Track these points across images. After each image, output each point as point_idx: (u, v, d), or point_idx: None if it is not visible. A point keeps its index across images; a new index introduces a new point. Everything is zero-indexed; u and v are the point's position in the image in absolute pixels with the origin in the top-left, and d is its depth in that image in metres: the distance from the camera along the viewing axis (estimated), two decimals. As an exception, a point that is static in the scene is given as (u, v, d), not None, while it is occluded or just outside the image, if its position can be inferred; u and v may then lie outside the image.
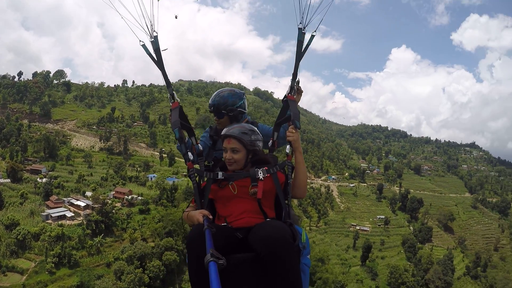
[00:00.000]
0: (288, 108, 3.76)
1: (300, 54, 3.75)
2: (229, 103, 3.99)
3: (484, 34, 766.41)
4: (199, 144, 3.71)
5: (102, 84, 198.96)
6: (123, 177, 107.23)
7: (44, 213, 76.35)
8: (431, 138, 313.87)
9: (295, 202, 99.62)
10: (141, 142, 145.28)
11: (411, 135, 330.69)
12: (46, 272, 60.98)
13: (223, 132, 3.45)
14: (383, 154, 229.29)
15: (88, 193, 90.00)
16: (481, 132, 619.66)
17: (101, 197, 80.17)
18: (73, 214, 77.30)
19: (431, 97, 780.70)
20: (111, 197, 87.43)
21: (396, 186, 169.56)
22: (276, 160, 3.57)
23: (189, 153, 3.56)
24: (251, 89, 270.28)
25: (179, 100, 3.77)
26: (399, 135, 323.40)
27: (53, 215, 75.41)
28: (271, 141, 3.85)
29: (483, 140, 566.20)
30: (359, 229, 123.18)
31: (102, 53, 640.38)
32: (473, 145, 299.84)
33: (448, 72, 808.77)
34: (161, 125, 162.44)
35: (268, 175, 3.30)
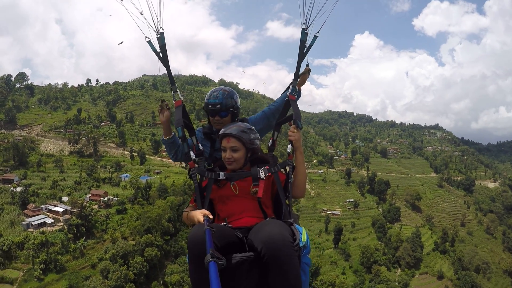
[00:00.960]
0: (289, 108, 3.97)
1: (302, 54, 3.89)
2: (234, 102, 4.10)
3: (445, 20, 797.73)
4: (199, 144, 3.81)
5: (65, 84, 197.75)
6: (96, 179, 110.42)
7: (24, 222, 79.68)
8: (396, 122, 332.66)
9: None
10: (110, 142, 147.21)
11: (376, 119, 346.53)
12: (35, 280, 64.90)
13: (221, 131, 3.56)
14: (350, 140, 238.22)
15: (65, 198, 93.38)
16: (445, 114, 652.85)
17: (78, 201, 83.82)
18: (53, 221, 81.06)
19: (395, 82, 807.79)
20: (88, 200, 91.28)
21: (364, 170, 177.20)
22: (276, 159, 3.68)
23: (191, 153, 3.68)
24: (216, 81, 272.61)
25: (182, 98, 3.92)
26: (365, 120, 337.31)
27: (33, 223, 78.99)
28: (271, 140, 4.01)
29: (447, 122, 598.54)
30: (330, 213, 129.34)
31: (62, 51, 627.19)
32: (436, 127, 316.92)
33: (411, 57, 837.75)
34: (129, 124, 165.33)
35: (269, 174, 3.45)
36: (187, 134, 3.84)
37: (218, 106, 3.94)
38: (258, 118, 4.33)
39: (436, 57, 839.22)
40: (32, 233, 73.85)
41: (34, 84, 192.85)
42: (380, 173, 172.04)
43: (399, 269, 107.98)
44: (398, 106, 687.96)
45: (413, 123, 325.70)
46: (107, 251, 69.98)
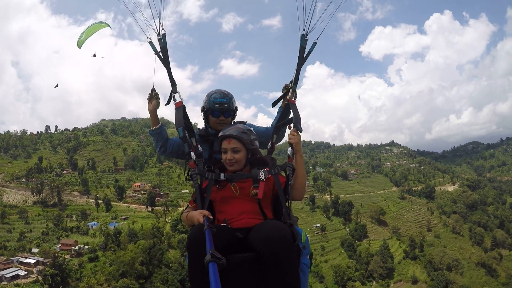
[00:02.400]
0: (288, 112, 4.20)
1: (302, 60, 4.13)
2: (235, 104, 4.32)
3: (390, 43, 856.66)
4: (199, 146, 3.90)
5: (24, 131, 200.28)
6: (64, 229, 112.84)
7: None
8: (353, 144, 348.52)
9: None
10: (73, 191, 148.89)
11: (334, 144, 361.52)
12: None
13: (221, 133, 3.67)
14: (311, 167, 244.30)
15: (34, 250, 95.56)
16: (399, 130, 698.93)
17: (50, 251, 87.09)
18: (26, 272, 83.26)
19: (348, 106, 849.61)
20: (58, 250, 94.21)
21: (327, 195, 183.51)
22: (275, 162, 3.87)
23: (192, 153, 3.78)
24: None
25: (182, 100, 4.09)
26: (323, 146, 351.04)
27: (6, 276, 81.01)
28: (270, 143, 4.28)
29: (402, 137, 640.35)
30: None
31: (18, 95, 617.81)
32: (392, 143, 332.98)
33: (361, 81, 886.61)
34: (91, 171, 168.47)
35: (270, 176, 3.55)
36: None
37: (226, 105, 4.16)
38: (259, 131, 4.41)
39: (384, 78, 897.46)
40: (7, 286, 76.69)
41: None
42: (343, 195, 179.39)
43: (374, 282, 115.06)
44: (354, 129, 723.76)
45: (370, 143, 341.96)
46: (84, 299, 73.89)
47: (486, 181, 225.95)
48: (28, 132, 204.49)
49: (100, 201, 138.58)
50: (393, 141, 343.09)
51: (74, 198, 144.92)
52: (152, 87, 4.54)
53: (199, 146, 3.91)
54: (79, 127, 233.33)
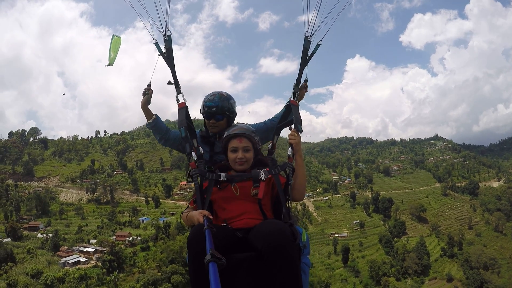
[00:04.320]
0: (290, 113, 4.18)
1: (305, 61, 4.19)
2: (230, 106, 4.35)
3: (430, 31, 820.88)
4: (200, 147, 3.97)
5: (76, 137, 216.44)
6: (118, 223, 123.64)
7: (61, 262, 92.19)
8: (396, 139, 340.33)
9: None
10: (124, 190, 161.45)
11: (377, 140, 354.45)
12: (77, 308, 77.69)
13: (229, 132, 3.76)
14: (353, 164, 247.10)
15: (92, 241, 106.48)
16: (445, 123, 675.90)
17: (109, 240, 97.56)
18: (86, 259, 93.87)
19: (391, 99, 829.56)
20: (114, 240, 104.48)
21: (368, 191, 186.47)
22: (275, 163, 3.88)
23: (193, 153, 3.85)
24: None
25: (185, 101, 4.19)
26: (366, 142, 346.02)
27: (69, 261, 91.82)
28: (270, 144, 4.23)
29: (448, 130, 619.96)
30: (338, 236, 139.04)
31: (65, 102, 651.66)
32: (436, 138, 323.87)
33: (403, 73, 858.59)
34: (139, 171, 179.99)
35: (270, 176, 3.62)
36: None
37: (214, 109, 4.23)
38: (258, 128, 4.50)
39: (427, 68, 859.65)
40: (70, 270, 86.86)
41: (47, 137, 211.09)
42: (384, 192, 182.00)
43: (409, 278, 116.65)
44: (398, 123, 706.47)
45: (413, 138, 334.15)
46: (138, 280, 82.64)
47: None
48: (80, 137, 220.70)
49: (149, 199, 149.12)
50: (437, 135, 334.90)
51: (125, 196, 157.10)
52: (148, 82, 4.74)
53: (200, 147, 4.01)
54: (126, 130, 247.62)
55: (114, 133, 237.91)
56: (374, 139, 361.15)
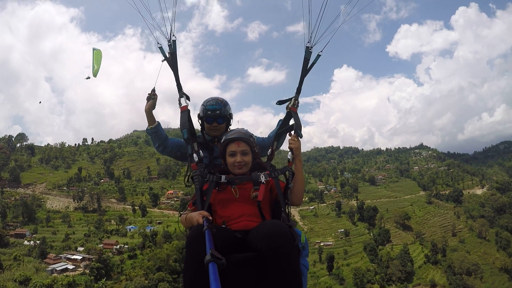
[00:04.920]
0: (290, 119, 4.35)
1: (305, 71, 4.34)
2: (230, 111, 4.59)
3: (417, 41, 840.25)
4: (200, 151, 4.08)
5: (63, 144, 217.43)
6: (105, 231, 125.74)
7: (49, 269, 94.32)
8: (382, 148, 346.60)
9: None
10: (111, 198, 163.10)
11: (362, 149, 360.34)
12: (65, 315, 79.93)
13: (228, 136, 3.83)
14: (339, 173, 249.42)
15: (80, 248, 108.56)
16: (431, 132, 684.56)
17: (97, 248, 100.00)
18: (74, 266, 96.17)
19: (378, 109, 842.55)
20: (102, 248, 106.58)
21: (354, 200, 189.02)
22: (274, 168, 3.90)
23: (194, 155, 3.98)
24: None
25: (187, 104, 4.36)
26: (352, 151, 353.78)
27: (57, 269, 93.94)
28: (270, 149, 4.40)
29: (434, 139, 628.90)
30: (323, 244, 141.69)
31: (52, 108, 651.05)
32: (421, 146, 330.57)
33: (390, 82, 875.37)
34: (126, 179, 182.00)
35: (270, 179, 3.71)
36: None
37: (218, 112, 4.44)
38: (258, 141, 4.56)
39: (413, 78, 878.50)
40: (59, 276, 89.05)
41: (34, 144, 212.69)
42: (369, 201, 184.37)
43: (393, 285, 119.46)
44: (384, 132, 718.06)
45: (399, 147, 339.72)
46: (126, 287, 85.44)
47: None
48: (67, 144, 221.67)
49: (136, 207, 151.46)
50: (422, 143, 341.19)
51: (112, 204, 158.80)
52: (152, 87, 4.82)
53: (200, 151, 4.12)
54: (113, 138, 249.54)
55: (102, 141, 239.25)
56: (360, 148, 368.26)
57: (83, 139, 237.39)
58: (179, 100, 4.41)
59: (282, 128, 4.43)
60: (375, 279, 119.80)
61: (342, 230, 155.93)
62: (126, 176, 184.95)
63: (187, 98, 4.49)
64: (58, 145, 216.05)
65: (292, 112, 4.30)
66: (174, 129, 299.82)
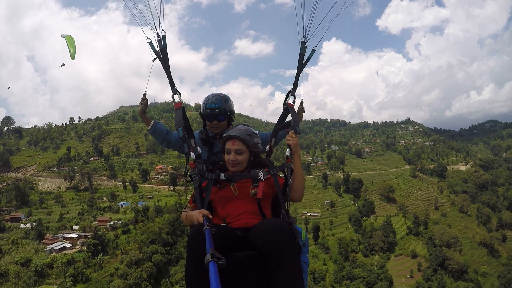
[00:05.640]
0: (287, 115, 4.44)
1: (301, 66, 4.41)
2: (230, 107, 4.58)
3: (407, 17, 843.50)
4: (197, 147, 4.07)
5: (50, 124, 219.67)
6: (98, 209, 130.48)
7: (47, 249, 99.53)
8: (369, 122, 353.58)
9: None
10: (101, 176, 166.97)
11: (350, 122, 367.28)
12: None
13: (227, 133, 3.88)
14: (326, 145, 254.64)
15: (75, 227, 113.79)
16: (418, 107, 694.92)
17: (92, 225, 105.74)
18: (71, 245, 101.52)
19: (367, 82, 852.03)
20: (96, 225, 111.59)
21: (340, 172, 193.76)
22: (273, 164, 3.99)
23: (192, 153, 3.98)
24: (193, 105, 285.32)
25: (182, 101, 4.36)
26: (339, 124, 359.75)
27: (55, 248, 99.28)
28: (268, 146, 4.38)
29: (421, 114, 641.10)
30: (310, 215, 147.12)
31: (36, 88, 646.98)
32: (408, 121, 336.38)
33: (379, 57, 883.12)
34: (116, 156, 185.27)
35: (269, 176, 3.76)
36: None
37: (217, 110, 4.45)
38: (262, 137, 4.64)
39: (403, 53, 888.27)
40: (58, 255, 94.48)
41: (21, 126, 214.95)
42: (355, 173, 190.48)
43: (376, 255, 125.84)
44: (373, 106, 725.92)
45: (386, 121, 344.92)
46: (122, 261, 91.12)
47: (501, 161, 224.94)
48: (54, 125, 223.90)
49: (127, 183, 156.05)
50: (409, 118, 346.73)
51: (103, 182, 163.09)
52: (144, 92, 4.83)
53: (198, 147, 4.09)
54: (100, 115, 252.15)
55: (89, 119, 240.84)
56: (348, 121, 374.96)
57: (70, 118, 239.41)
58: (173, 97, 4.41)
59: (280, 125, 4.53)
60: (358, 248, 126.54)
61: (328, 201, 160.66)
62: (115, 153, 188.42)
63: (179, 94, 4.48)
64: (46, 126, 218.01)
65: (289, 108, 4.45)
66: (161, 103, 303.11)
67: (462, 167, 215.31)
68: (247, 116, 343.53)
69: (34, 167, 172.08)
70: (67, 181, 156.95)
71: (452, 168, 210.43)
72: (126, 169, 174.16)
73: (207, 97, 4.62)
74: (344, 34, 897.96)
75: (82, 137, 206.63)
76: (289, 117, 4.56)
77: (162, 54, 4.44)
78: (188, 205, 3.88)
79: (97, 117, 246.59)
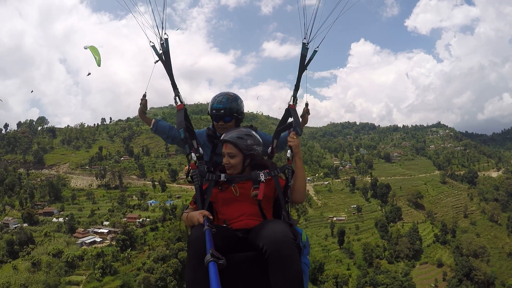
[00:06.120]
0: (289, 117, 4.36)
1: (302, 67, 4.38)
2: (238, 107, 4.44)
3: (436, 16, 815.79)
4: (199, 148, 4.09)
5: (82, 125, 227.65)
6: (128, 206, 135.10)
7: (79, 242, 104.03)
8: (399, 125, 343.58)
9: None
10: (131, 175, 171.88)
11: (379, 126, 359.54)
12: (95, 281, 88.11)
13: (222, 137, 3.90)
14: (354, 149, 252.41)
15: (105, 223, 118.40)
16: (450, 110, 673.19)
17: (121, 221, 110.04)
18: (101, 239, 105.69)
19: (396, 84, 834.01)
20: (126, 222, 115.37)
21: (368, 177, 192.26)
22: (275, 166, 3.93)
23: (193, 154, 3.99)
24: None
25: (184, 102, 4.34)
26: (368, 127, 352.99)
27: (86, 241, 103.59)
28: (270, 147, 4.35)
29: (453, 117, 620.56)
30: (336, 219, 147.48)
31: (68, 89, 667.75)
32: (438, 125, 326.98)
33: (408, 58, 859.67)
34: (146, 156, 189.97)
35: (270, 177, 3.72)
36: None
37: (222, 111, 4.35)
38: (267, 140, 4.56)
39: (433, 54, 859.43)
40: (88, 248, 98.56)
41: (54, 126, 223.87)
42: (383, 178, 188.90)
43: (401, 262, 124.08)
44: (403, 109, 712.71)
45: (416, 125, 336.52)
46: (149, 257, 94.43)
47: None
48: (86, 125, 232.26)
49: (156, 183, 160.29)
50: (439, 122, 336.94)
51: (133, 181, 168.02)
52: (144, 92, 4.86)
53: (200, 148, 4.13)
54: (131, 116, 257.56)
55: (120, 120, 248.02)
56: (377, 124, 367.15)
57: (102, 119, 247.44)
58: (175, 99, 4.39)
59: (281, 126, 4.45)
60: (383, 254, 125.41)
61: (355, 206, 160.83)
62: (145, 153, 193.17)
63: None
64: (78, 126, 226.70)
65: (291, 110, 4.38)
66: (190, 105, 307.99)
67: (494, 174, 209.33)
68: (276, 118, 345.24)
69: (67, 165, 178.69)
70: (98, 179, 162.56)
71: (483, 175, 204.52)
72: (156, 169, 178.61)
73: (215, 96, 4.56)
74: (372, 35, 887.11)
75: (113, 137, 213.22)
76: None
77: (165, 57, 4.43)
78: (190, 206, 3.94)
79: (128, 118, 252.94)
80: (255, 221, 3.50)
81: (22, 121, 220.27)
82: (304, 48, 4.32)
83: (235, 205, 3.68)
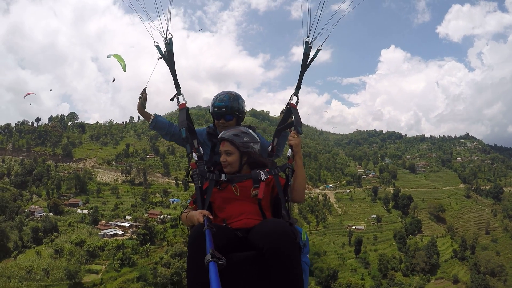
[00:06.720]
0: (290, 116, 4.35)
1: (305, 66, 4.40)
2: (239, 106, 4.49)
3: (469, 23, 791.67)
4: (200, 148, 4.13)
5: (111, 122, 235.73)
6: (150, 203, 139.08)
7: (101, 233, 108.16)
8: (426, 136, 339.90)
9: (295, 210, 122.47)
10: (156, 172, 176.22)
11: (406, 135, 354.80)
12: (114, 271, 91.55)
13: (219, 135, 3.92)
14: (379, 158, 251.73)
15: (128, 217, 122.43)
16: (480, 121, 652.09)
17: (143, 217, 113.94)
18: (122, 232, 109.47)
19: (426, 93, 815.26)
20: (147, 217, 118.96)
21: (391, 187, 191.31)
22: (275, 164, 3.99)
23: (193, 154, 4.03)
24: (248, 110, 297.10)
25: (186, 102, 4.39)
26: (395, 136, 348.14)
27: (108, 233, 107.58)
28: (270, 146, 4.33)
29: (483, 129, 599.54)
30: (355, 228, 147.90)
31: (99, 87, 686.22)
32: (467, 137, 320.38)
33: (439, 66, 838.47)
34: (171, 155, 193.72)
35: (270, 176, 3.74)
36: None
37: (224, 109, 4.37)
38: (266, 145, 4.49)
39: (465, 62, 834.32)
40: (109, 240, 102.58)
41: (84, 122, 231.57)
42: (407, 189, 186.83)
43: (417, 276, 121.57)
44: (431, 118, 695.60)
45: (443, 136, 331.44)
46: (167, 252, 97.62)
47: None
48: (115, 122, 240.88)
49: (179, 182, 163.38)
50: (468, 134, 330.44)
51: (157, 178, 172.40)
52: (144, 87, 4.98)
53: (200, 148, 4.16)
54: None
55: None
56: (404, 133, 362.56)
57: (130, 117, 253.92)
58: (177, 98, 4.43)
59: (282, 125, 4.43)
60: (399, 267, 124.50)
61: (375, 215, 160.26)
62: (171, 153, 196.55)
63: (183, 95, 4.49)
64: (107, 123, 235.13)
65: (292, 109, 4.35)
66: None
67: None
68: (305, 125, 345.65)
69: (94, 159, 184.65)
70: (123, 175, 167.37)
71: (510, 190, 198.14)
72: (180, 168, 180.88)
73: (217, 94, 4.60)
74: (403, 41, 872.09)
75: (140, 136, 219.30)
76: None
77: (168, 56, 4.55)
78: (189, 206, 3.94)
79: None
80: (255, 220, 3.51)
81: (53, 116, 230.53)
82: (307, 47, 4.43)
83: (235, 205, 3.69)
